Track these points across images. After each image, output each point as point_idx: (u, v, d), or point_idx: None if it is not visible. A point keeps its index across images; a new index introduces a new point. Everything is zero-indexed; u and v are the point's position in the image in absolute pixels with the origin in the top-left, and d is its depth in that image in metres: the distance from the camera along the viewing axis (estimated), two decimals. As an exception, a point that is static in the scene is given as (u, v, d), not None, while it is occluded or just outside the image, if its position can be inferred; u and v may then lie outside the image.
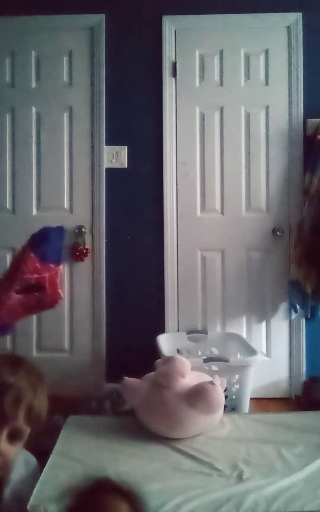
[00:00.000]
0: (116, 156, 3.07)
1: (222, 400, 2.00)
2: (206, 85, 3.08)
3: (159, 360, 2.22)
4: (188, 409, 1.93)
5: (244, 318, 3.08)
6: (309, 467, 1.71)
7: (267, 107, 3.06)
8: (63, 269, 2.99)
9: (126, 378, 2.09)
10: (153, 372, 2.14)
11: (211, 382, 1.97)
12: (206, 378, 2.16)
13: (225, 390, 2.27)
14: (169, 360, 2.13)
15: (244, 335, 3.02)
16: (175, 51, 3.06)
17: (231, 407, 2.45)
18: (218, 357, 2.62)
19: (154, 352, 2.64)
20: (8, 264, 3.10)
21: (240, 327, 3.06)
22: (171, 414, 1.92)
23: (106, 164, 3.07)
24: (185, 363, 2.08)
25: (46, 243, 2.71)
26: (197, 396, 1.94)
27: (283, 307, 3.04)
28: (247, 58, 3.06)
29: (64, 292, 3.08)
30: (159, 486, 1.58)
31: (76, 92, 3.09)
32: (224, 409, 2.23)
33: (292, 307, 2.95)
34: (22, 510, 1.51)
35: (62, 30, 3.08)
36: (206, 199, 3.09)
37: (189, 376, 2.06)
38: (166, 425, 1.92)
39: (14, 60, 3.10)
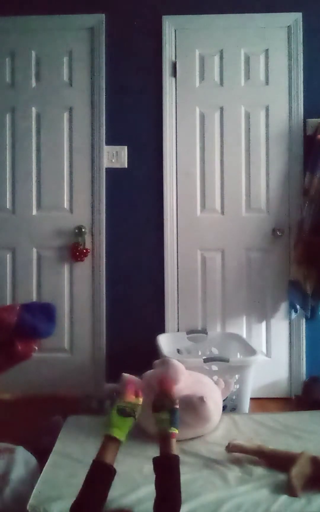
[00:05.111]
0: (116, 156, 3.07)
1: (211, 415, 1.97)
2: (206, 85, 3.08)
3: (157, 361, 2.22)
4: None
5: (244, 318, 3.08)
6: (309, 467, 1.71)
7: (267, 107, 3.06)
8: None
9: (125, 374, 2.08)
10: (152, 370, 2.14)
11: (201, 398, 1.94)
12: (204, 382, 2.15)
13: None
14: (163, 365, 2.12)
15: (244, 335, 3.02)
16: (175, 51, 3.06)
17: (231, 407, 2.44)
18: (218, 357, 2.62)
19: (154, 352, 2.64)
20: (8, 264, 3.10)
21: (240, 327, 3.06)
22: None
23: (106, 164, 3.07)
24: (178, 369, 2.05)
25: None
26: (185, 409, 1.92)
27: (283, 307, 3.04)
28: (247, 58, 3.06)
29: (64, 294, 3.08)
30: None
31: (76, 92, 3.09)
32: (224, 409, 2.23)
33: (292, 307, 2.95)
34: (22, 510, 1.51)
35: (62, 30, 3.08)
36: (206, 199, 3.08)
37: (184, 381, 2.04)
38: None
39: (14, 60, 3.10)
